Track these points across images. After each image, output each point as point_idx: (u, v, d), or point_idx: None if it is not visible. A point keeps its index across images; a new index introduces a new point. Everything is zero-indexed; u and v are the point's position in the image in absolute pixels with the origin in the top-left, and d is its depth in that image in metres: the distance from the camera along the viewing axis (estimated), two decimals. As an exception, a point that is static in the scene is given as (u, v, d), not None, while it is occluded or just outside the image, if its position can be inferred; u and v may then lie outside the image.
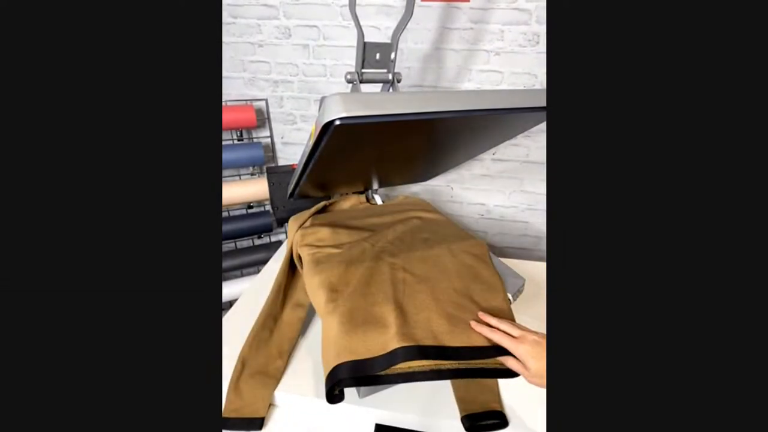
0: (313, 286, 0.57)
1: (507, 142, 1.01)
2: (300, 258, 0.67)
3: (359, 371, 0.45)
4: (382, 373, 0.45)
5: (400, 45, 1.01)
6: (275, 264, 0.89)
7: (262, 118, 1.23)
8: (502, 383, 0.60)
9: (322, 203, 0.85)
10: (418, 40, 1.06)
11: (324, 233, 0.69)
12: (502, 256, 0.92)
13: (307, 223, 0.74)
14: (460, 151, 0.82)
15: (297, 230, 0.72)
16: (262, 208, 1.31)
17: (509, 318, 0.52)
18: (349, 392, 0.57)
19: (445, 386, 0.59)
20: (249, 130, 1.25)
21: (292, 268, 0.73)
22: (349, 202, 0.89)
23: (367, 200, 0.92)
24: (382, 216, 0.79)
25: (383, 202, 0.93)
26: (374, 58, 0.74)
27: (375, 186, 0.97)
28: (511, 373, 0.48)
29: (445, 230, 0.72)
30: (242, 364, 0.60)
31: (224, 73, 1.18)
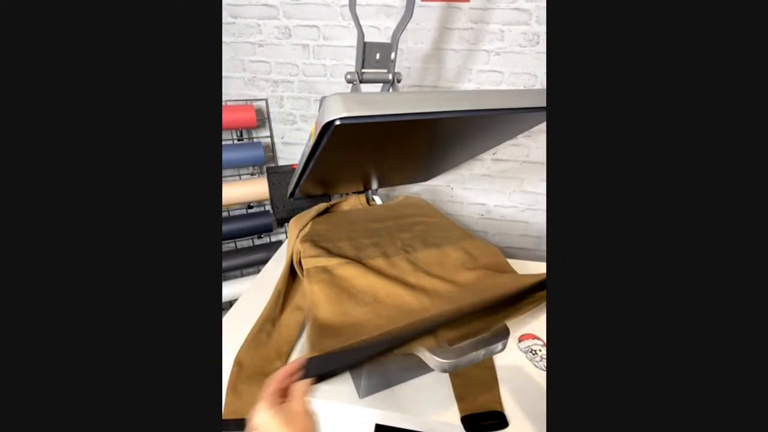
0: (317, 301, 0.54)
1: (507, 142, 1.01)
2: (300, 264, 0.65)
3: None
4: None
5: (400, 45, 1.02)
6: (275, 264, 0.89)
7: (262, 118, 1.23)
8: (503, 384, 0.60)
9: (323, 205, 0.84)
10: (418, 40, 1.07)
11: (326, 241, 0.67)
12: (502, 256, 0.92)
13: (307, 228, 0.73)
14: (460, 151, 0.82)
15: (297, 236, 0.72)
16: (262, 208, 1.31)
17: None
18: (350, 392, 0.57)
19: (445, 386, 0.59)
20: (249, 130, 1.25)
21: (292, 274, 0.71)
22: (349, 204, 0.89)
23: (367, 201, 0.91)
24: (385, 221, 0.78)
25: (383, 202, 0.92)
26: (374, 58, 0.74)
27: (375, 186, 0.97)
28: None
29: (453, 233, 0.72)
30: (239, 366, 0.59)
31: (224, 73, 1.18)
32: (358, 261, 0.61)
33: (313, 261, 0.61)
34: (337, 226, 0.75)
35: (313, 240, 0.67)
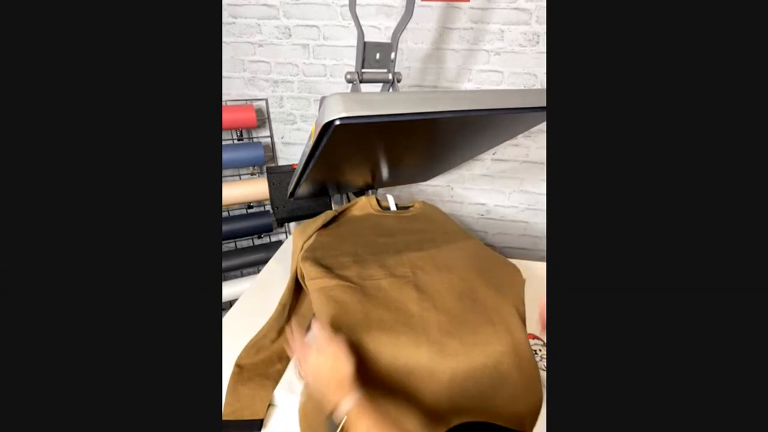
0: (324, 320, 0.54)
1: (507, 142, 1.01)
2: (305, 280, 0.63)
3: None
4: None
5: (400, 45, 1.01)
6: (275, 264, 0.89)
7: (262, 118, 1.23)
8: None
9: (331, 213, 0.80)
10: (418, 40, 1.07)
11: (329, 257, 0.64)
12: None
13: (312, 240, 0.71)
14: (460, 151, 0.82)
15: (302, 247, 0.69)
16: (262, 208, 1.31)
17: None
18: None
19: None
20: (249, 130, 1.25)
21: (297, 288, 0.70)
22: (360, 207, 0.84)
23: (379, 203, 0.86)
24: (395, 235, 0.74)
25: (396, 205, 0.86)
26: (374, 58, 0.74)
27: (375, 185, 0.97)
28: None
29: (468, 252, 0.70)
30: (239, 368, 0.59)
31: (224, 73, 1.18)
32: (359, 283, 0.59)
33: (312, 283, 0.60)
34: (342, 239, 0.72)
35: (315, 257, 0.64)
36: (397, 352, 0.50)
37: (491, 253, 0.72)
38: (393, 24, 1.02)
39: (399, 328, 0.52)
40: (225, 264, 1.20)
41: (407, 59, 1.09)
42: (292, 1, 1.06)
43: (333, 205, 1.02)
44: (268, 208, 1.31)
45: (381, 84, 0.79)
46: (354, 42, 0.90)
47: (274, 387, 0.58)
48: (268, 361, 0.61)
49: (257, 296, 0.74)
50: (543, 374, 0.62)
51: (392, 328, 0.52)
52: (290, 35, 1.11)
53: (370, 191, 0.98)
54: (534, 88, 1.07)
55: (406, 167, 0.87)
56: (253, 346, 0.63)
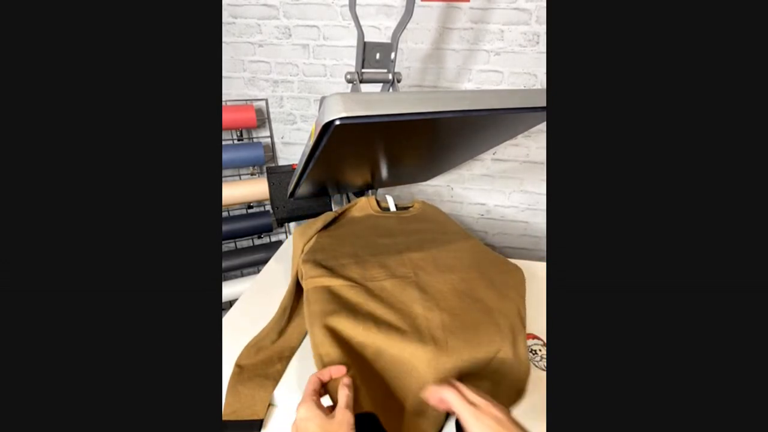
0: (318, 327, 0.54)
1: (507, 142, 1.01)
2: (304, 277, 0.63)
3: None
4: None
5: (400, 45, 1.01)
6: (275, 264, 0.89)
7: (262, 118, 1.23)
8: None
9: (331, 214, 0.79)
10: (418, 40, 1.07)
11: (329, 258, 0.64)
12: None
13: (312, 241, 0.71)
14: (460, 151, 0.82)
15: (302, 249, 0.69)
16: (262, 208, 1.31)
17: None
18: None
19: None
20: (249, 130, 1.25)
21: (298, 290, 0.69)
22: (359, 208, 0.84)
23: (378, 204, 0.86)
24: (395, 235, 0.74)
25: (396, 205, 0.87)
26: (374, 58, 0.74)
27: (375, 186, 0.97)
28: None
29: (470, 253, 0.69)
30: (239, 368, 0.59)
31: (224, 73, 1.18)
32: (362, 284, 0.59)
33: (312, 282, 0.60)
34: (342, 240, 0.72)
35: (315, 259, 0.64)
36: (401, 350, 0.50)
37: (491, 254, 0.73)
38: (393, 24, 1.02)
39: (404, 328, 0.53)
40: (225, 264, 1.20)
41: (407, 59, 1.09)
42: (292, 1, 1.06)
43: (333, 206, 1.02)
44: (268, 208, 1.31)
45: (381, 84, 0.79)
46: (354, 42, 0.90)
47: (274, 387, 0.57)
48: (268, 362, 0.61)
49: (257, 296, 0.74)
50: (543, 374, 0.62)
51: (397, 328, 0.53)
52: (290, 35, 1.11)
53: (370, 191, 0.98)
54: (534, 88, 1.07)
55: (406, 167, 0.87)
56: (254, 346, 0.63)
